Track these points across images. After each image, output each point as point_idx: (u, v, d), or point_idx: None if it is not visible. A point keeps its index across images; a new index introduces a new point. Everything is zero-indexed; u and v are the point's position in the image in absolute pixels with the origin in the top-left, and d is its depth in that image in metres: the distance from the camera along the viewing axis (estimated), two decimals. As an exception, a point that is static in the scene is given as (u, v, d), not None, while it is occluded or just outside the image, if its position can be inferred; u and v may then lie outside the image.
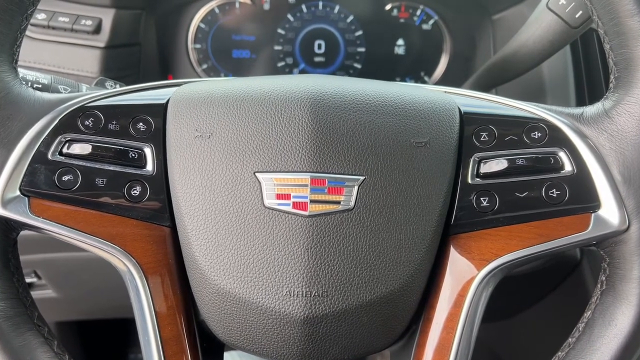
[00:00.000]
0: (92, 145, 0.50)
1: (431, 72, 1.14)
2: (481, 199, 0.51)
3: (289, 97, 0.50)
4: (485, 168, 0.51)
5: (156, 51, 1.09)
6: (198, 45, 1.11)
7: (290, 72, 1.12)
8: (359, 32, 1.11)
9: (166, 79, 1.12)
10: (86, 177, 0.49)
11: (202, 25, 1.10)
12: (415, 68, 1.13)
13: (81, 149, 0.50)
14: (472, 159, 0.52)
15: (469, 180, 0.51)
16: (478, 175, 0.51)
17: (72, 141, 0.50)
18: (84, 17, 0.94)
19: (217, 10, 1.10)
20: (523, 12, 1.01)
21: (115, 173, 0.50)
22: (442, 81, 1.13)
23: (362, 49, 1.12)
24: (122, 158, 0.50)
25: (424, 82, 1.14)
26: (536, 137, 0.51)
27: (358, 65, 1.13)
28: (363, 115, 0.50)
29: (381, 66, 1.13)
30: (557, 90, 0.99)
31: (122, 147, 0.50)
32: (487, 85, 0.93)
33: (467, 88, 0.91)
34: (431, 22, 1.12)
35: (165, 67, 1.11)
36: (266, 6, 1.10)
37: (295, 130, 0.49)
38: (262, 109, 0.50)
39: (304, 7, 1.10)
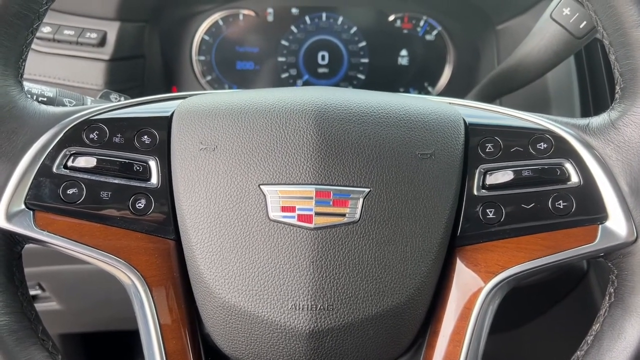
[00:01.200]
0: (97, 159, 0.50)
1: (435, 82, 1.14)
2: (487, 210, 0.50)
3: (293, 110, 0.50)
4: (491, 179, 0.51)
5: (160, 63, 1.10)
6: (202, 57, 1.11)
7: (294, 83, 1.13)
8: (363, 43, 1.12)
9: (170, 91, 1.12)
10: (91, 191, 0.49)
11: (206, 37, 1.11)
12: (418, 79, 1.14)
13: (86, 162, 0.50)
14: (477, 171, 0.51)
15: (475, 192, 0.51)
16: (484, 186, 0.51)
17: (77, 154, 0.50)
18: (89, 30, 0.95)
19: (221, 23, 1.10)
20: (527, 23, 1.01)
21: (119, 186, 0.50)
22: (446, 92, 1.13)
23: (365, 60, 1.12)
24: (126, 171, 0.50)
25: (427, 92, 1.14)
26: (542, 148, 0.51)
27: (362, 76, 1.13)
28: (368, 127, 0.50)
29: (385, 77, 1.13)
30: (562, 100, 0.99)
31: (126, 160, 0.50)
32: (491, 95, 0.93)
33: (471, 99, 0.91)
34: (434, 32, 1.12)
35: (169, 79, 1.12)
36: (270, 18, 1.10)
37: (300, 143, 0.49)
38: (266, 122, 0.50)
39: (307, 18, 1.11)
